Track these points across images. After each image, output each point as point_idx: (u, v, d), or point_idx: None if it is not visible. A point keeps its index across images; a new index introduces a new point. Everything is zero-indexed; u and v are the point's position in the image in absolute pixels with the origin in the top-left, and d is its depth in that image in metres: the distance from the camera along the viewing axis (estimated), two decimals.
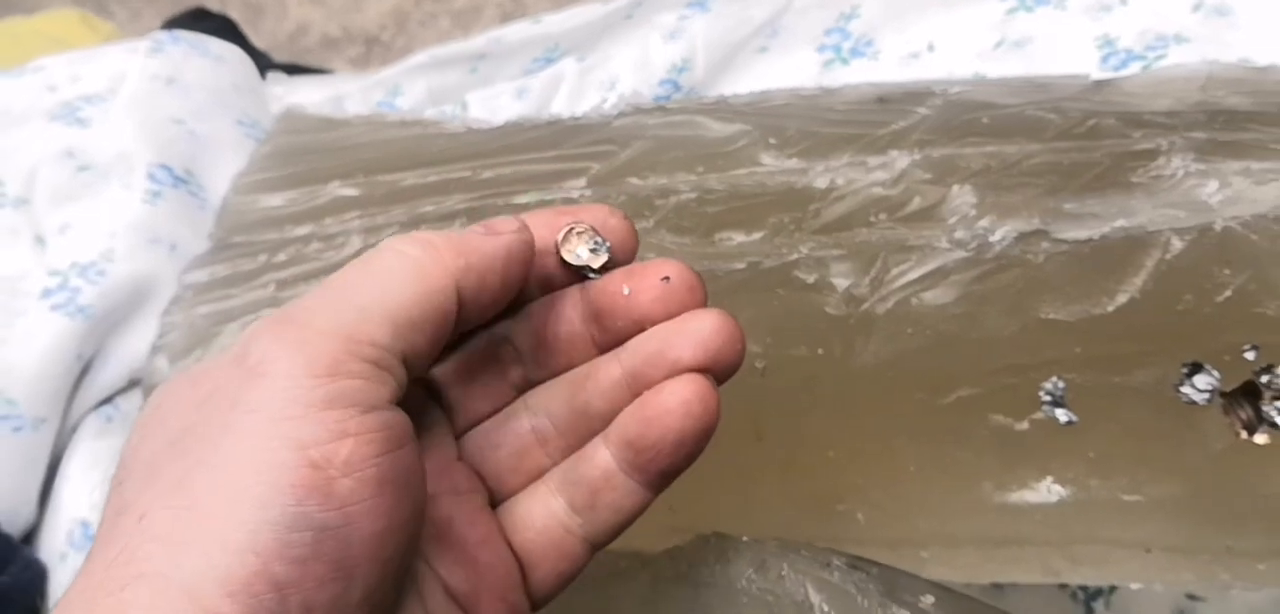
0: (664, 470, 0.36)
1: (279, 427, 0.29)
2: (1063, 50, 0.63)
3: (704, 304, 0.37)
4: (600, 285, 0.37)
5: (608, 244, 0.37)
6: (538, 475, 0.38)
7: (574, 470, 0.37)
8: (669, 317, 0.36)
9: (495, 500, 0.38)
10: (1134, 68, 0.60)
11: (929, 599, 0.44)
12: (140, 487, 0.30)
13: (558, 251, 0.37)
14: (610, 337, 0.37)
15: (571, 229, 0.37)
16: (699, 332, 0.35)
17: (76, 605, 0.28)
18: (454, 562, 0.35)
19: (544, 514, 0.37)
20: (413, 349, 0.32)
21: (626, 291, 0.36)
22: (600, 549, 0.38)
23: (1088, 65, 0.61)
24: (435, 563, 0.35)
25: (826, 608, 0.45)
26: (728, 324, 0.36)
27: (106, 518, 0.30)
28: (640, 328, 0.36)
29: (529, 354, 0.38)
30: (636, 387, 0.36)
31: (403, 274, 0.32)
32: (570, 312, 0.37)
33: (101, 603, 0.28)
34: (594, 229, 0.37)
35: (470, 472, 0.38)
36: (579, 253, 0.37)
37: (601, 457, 0.36)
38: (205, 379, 0.31)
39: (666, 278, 0.36)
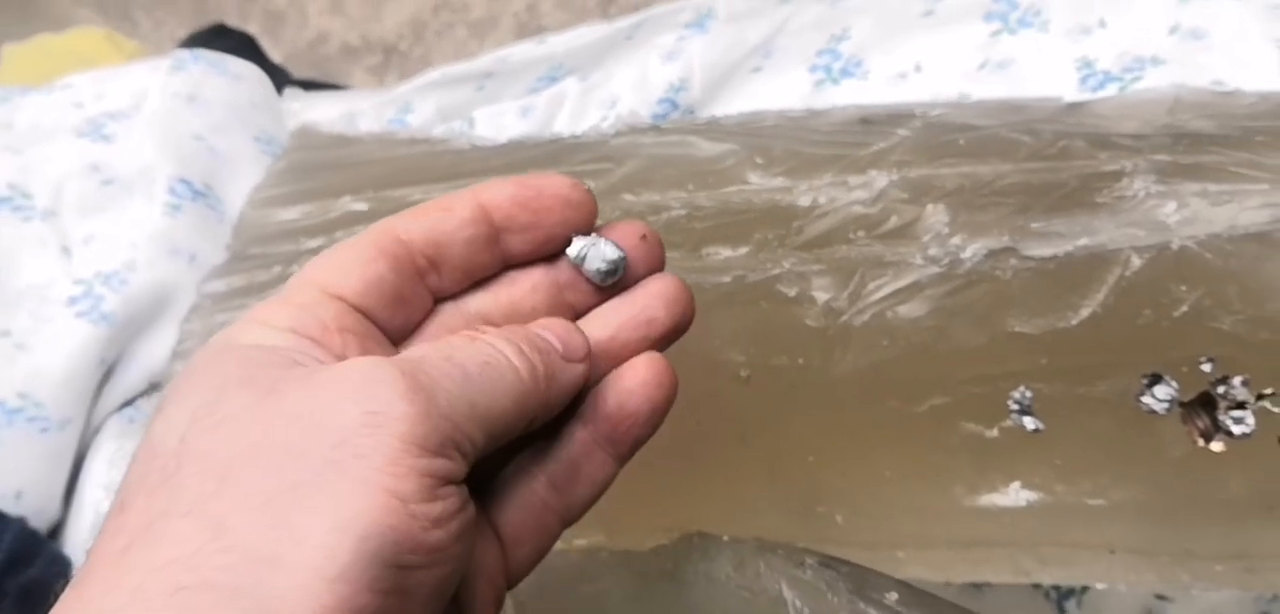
0: (635, 443, 0.39)
1: (385, 478, 0.29)
2: (1044, 71, 0.65)
3: (663, 259, 0.41)
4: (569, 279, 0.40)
5: (618, 270, 0.40)
6: (505, 458, 0.39)
7: (548, 450, 0.39)
8: (651, 271, 0.41)
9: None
10: (1111, 88, 0.62)
11: (893, 596, 0.47)
12: (211, 490, 0.29)
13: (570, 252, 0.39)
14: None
15: (590, 237, 0.39)
16: (663, 292, 0.40)
17: (103, 600, 0.28)
18: None
19: (525, 494, 0.39)
20: (487, 450, 0.34)
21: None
22: (569, 525, 0.40)
23: (1067, 86, 0.63)
24: None
25: (800, 604, 0.48)
26: (676, 285, 0.40)
27: (145, 508, 0.30)
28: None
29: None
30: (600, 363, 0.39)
31: (509, 390, 0.34)
32: (534, 293, 0.40)
33: (140, 604, 0.28)
34: (615, 244, 0.39)
35: None
36: (595, 254, 0.39)
37: (580, 434, 0.39)
38: (290, 393, 0.31)
39: (644, 237, 0.40)
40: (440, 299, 0.39)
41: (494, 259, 0.39)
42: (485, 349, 0.34)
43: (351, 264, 0.36)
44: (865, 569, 0.48)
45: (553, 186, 0.39)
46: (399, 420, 0.30)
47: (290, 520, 0.29)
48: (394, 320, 0.37)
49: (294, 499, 0.29)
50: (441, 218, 0.38)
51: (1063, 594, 0.58)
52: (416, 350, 0.34)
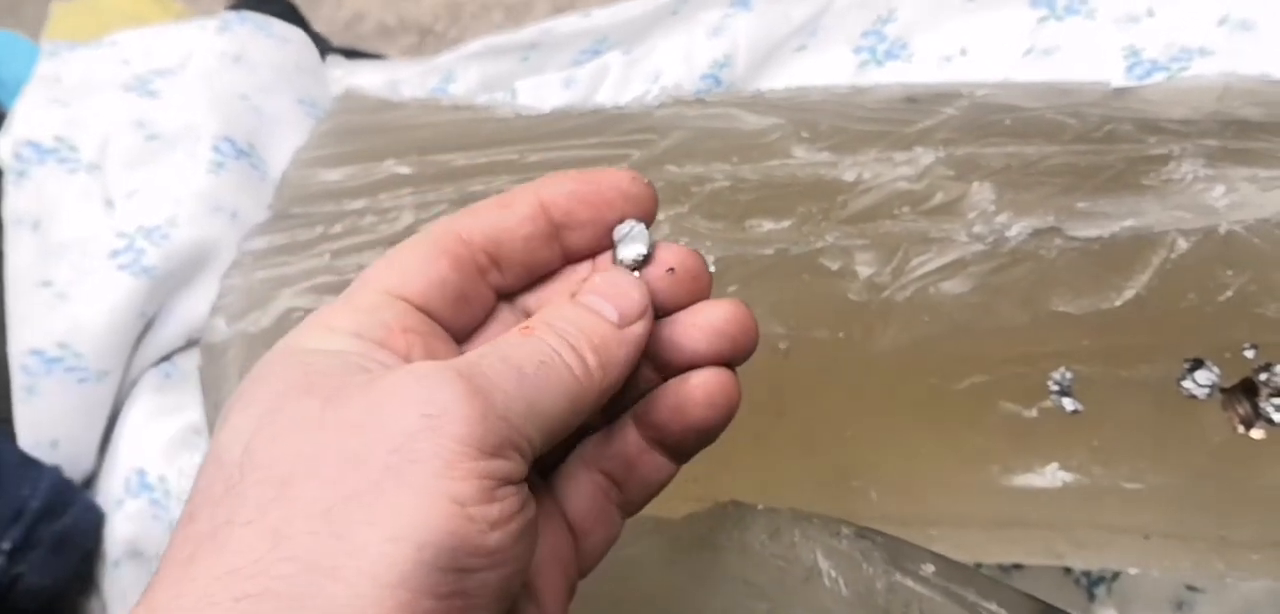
0: (691, 449, 0.39)
1: (443, 483, 0.30)
2: (1090, 59, 0.65)
3: (709, 288, 0.39)
4: None
5: (646, 252, 0.38)
6: (568, 448, 0.40)
7: (607, 444, 0.39)
8: (677, 306, 0.38)
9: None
10: (1158, 78, 0.62)
11: (929, 567, 0.47)
12: (271, 499, 0.30)
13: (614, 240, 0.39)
14: None
15: (630, 226, 0.39)
16: (711, 322, 0.38)
17: (169, 608, 0.29)
18: None
19: (589, 485, 0.39)
20: (545, 449, 0.34)
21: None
22: (632, 516, 0.40)
23: (1114, 74, 0.63)
24: None
25: (834, 573, 0.48)
26: (740, 312, 0.38)
27: (211, 518, 0.30)
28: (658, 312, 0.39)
29: None
30: (658, 368, 0.39)
31: (565, 389, 0.34)
32: None
33: (204, 610, 0.28)
34: (645, 231, 0.39)
35: None
36: (628, 248, 0.39)
37: (632, 435, 0.39)
38: (350, 401, 0.32)
39: (671, 270, 0.38)
40: (502, 295, 0.39)
41: (554, 255, 0.39)
42: (540, 348, 0.34)
43: (414, 265, 0.36)
44: (901, 541, 0.48)
45: (611, 181, 0.38)
46: (457, 423, 0.30)
47: (349, 530, 0.29)
48: (458, 319, 0.37)
49: (352, 508, 0.29)
50: (501, 216, 0.38)
51: (1093, 580, 0.58)
52: (473, 353, 0.34)
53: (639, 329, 0.37)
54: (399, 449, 0.30)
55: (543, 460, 0.38)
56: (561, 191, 0.38)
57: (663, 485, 0.40)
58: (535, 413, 0.33)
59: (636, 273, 0.38)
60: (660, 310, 0.38)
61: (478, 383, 0.31)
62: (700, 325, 0.38)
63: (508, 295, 0.39)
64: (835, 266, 0.54)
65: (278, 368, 0.33)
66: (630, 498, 0.39)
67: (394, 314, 0.35)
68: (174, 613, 0.29)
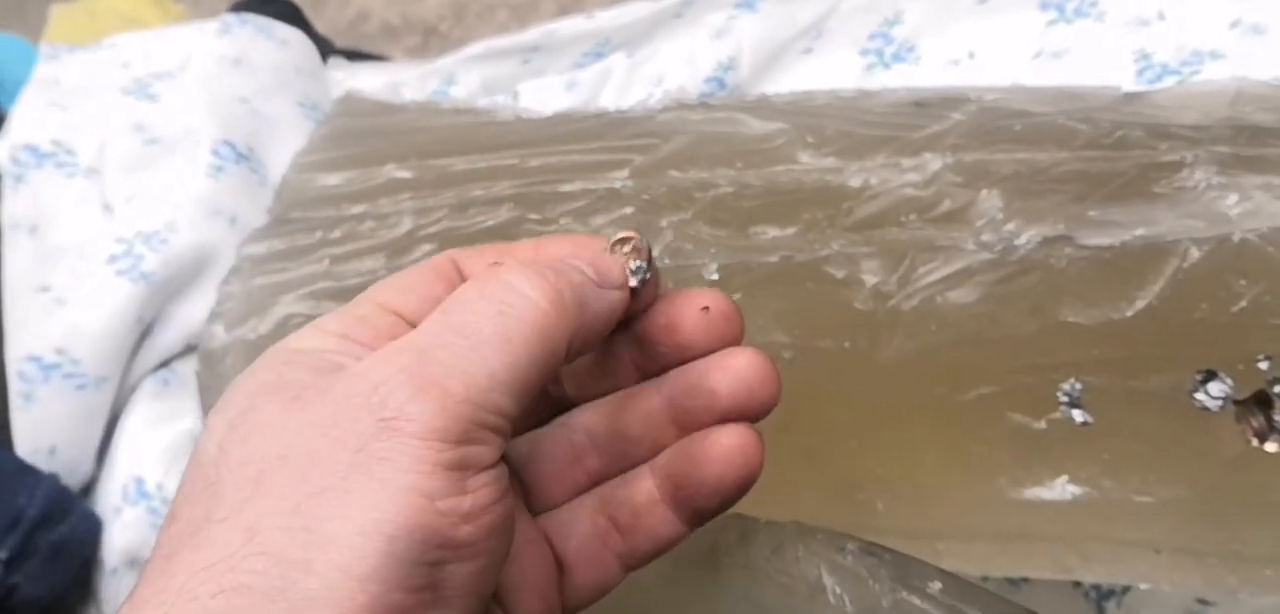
0: (703, 511, 0.38)
1: (409, 478, 0.30)
2: (1100, 63, 0.64)
3: (741, 334, 0.39)
4: (646, 316, 0.39)
5: (646, 269, 0.38)
6: (577, 491, 0.40)
7: (618, 491, 0.39)
8: (709, 347, 0.38)
9: (534, 509, 0.40)
10: (1169, 82, 0.61)
11: (936, 585, 0.46)
12: (245, 497, 0.30)
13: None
14: (651, 362, 0.39)
15: (620, 241, 0.38)
16: (736, 369, 0.37)
17: (151, 603, 0.29)
18: None
19: (587, 527, 0.39)
20: (525, 410, 0.33)
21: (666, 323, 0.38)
22: (632, 570, 0.40)
23: (1124, 78, 0.62)
24: None
25: (839, 590, 0.47)
26: (763, 363, 0.38)
27: (190, 517, 0.31)
28: (682, 356, 0.38)
29: (570, 374, 0.40)
30: (676, 417, 0.38)
31: (529, 330, 0.33)
32: (616, 337, 0.39)
33: (183, 607, 0.28)
34: (640, 249, 0.38)
35: (514, 476, 0.39)
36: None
37: (646, 484, 0.38)
38: (315, 399, 0.32)
39: (706, 308, 0.38)
40: None
41: None
42: (497, 298, 0.33)
43: (410, 284, 0.37)
44: (908, 557, 0.47)
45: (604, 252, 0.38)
46: (412, 422, 0.30)
47: (319, 524, 0.29)
48: None
49: (322, 503, 0.30)
50: (500, 254, 0.38)
51: (1103, 595, 0.57)
52: (430, 327, 0.33)
53: (616, 294, 0.36)
54: (362, 449, 0.30)
55: (537, 497, 0.39)
56: (562, 250, 0.38)
57: (669, 545, 0.39)
58: (500, 380, 0.32)
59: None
60: (690, 351, 0.38)
61: (432, 373, 0.31)
62: (724, 370, 0.38)
63: None
64: (841, 275, 0.53)
65: (256, 369, 0.34)
66: (633, 549, 0.39)
67: (385, 323, 0.35)
68: (155, 608, 0.29)
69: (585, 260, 0.36)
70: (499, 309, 0.33)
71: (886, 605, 0.46)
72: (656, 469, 0.38)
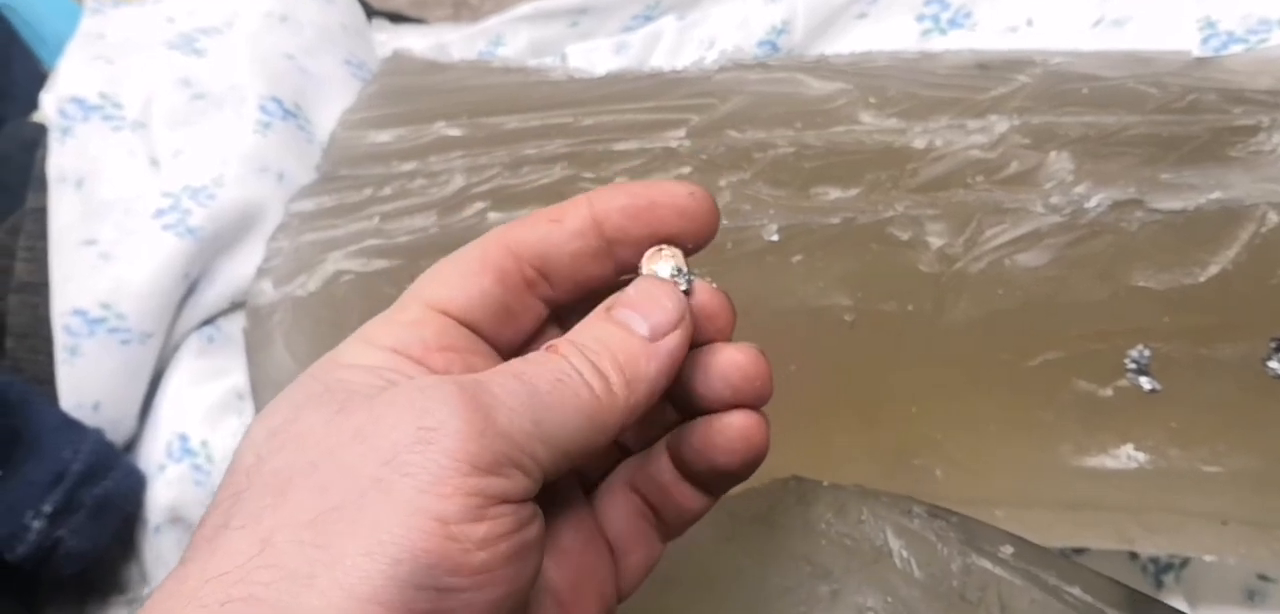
0: (717, 489, 0.38)
1: (425, 498, 0.29)
2: (1162, 30, 0.63)
3: (731, 328, 0.38)
4: None
5: (691, 277, 0.37)
6: (608, 468, 0.39)
7: (643, 469, 0.38)
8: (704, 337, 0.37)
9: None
10: (1235, 49, 0.60)
11: (1008, 549, 0.45)
12: (267, 505, 0.30)
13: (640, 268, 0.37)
14: None
15: (660, 249, 0.37)
16: (733, 361, 0.36)
17: (166, 604, 0.29)
18: (560, 562, 0.36)
19: (625, 506, 0.38)
20: (561, 469, 0.33)
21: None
22: (672, 539, 0.39)
23: (1188, 45, 0.61)
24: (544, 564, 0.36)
25: (905, 554, 0.46)
26: (759, 360, 0.37)
27: (213, 523, 0.31)
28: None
29: None
30: (675, 403, 0.38)
31: (582, 409, 0.33)
32: None
33: (194, 609, 0.28)
34: (680, 254, 0.37)
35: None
36: (659, 270, 0.37)
37: (666, 461, 0.38)
38: (358, 409, 0.32)
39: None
40: (554, 308, 0.38)
41: (605, 270, 0.37)
42: (559, 366, 0.33)
43: (457, 278, 0.36)
44: (977, 521, 0.46)
45: (668, 197, 0.37)
46: (450, 437, 0.30)
47: (330, 540, 0.29)
48: (503, 333, 0.37)
49: (336, 519, 0.29)
50: (550, 230, 0.37)
51: (1161, 567, 0.56)
52: (488, 371, 0.33)
53: (673, 341, 0.35)
54: (390, 461, 0.30)
55: (587, 478, 0.38)
56: (614, 206, 0.37)
57: (698, 516, 0.39)
58: (544, 431, 0.32)
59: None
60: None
61: (481, 399, 0.31)
62: (723, 364, 0.37)
63: (561, 308, 0.38)
64: (905, 237, 0.52)
65: (305, 380, 0.34)
66: (667, 524, 0.38)
67: (434, 330, 0.35)
68: (166, 609, 0.29)
69: (643, 312, 0.35)
70: (559, 377, 0.33)
71: (955, 569, 0.46)
72: (671, 448, 0.38)
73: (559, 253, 0.36)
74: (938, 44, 0.67)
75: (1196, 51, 0.61)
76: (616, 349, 0.34)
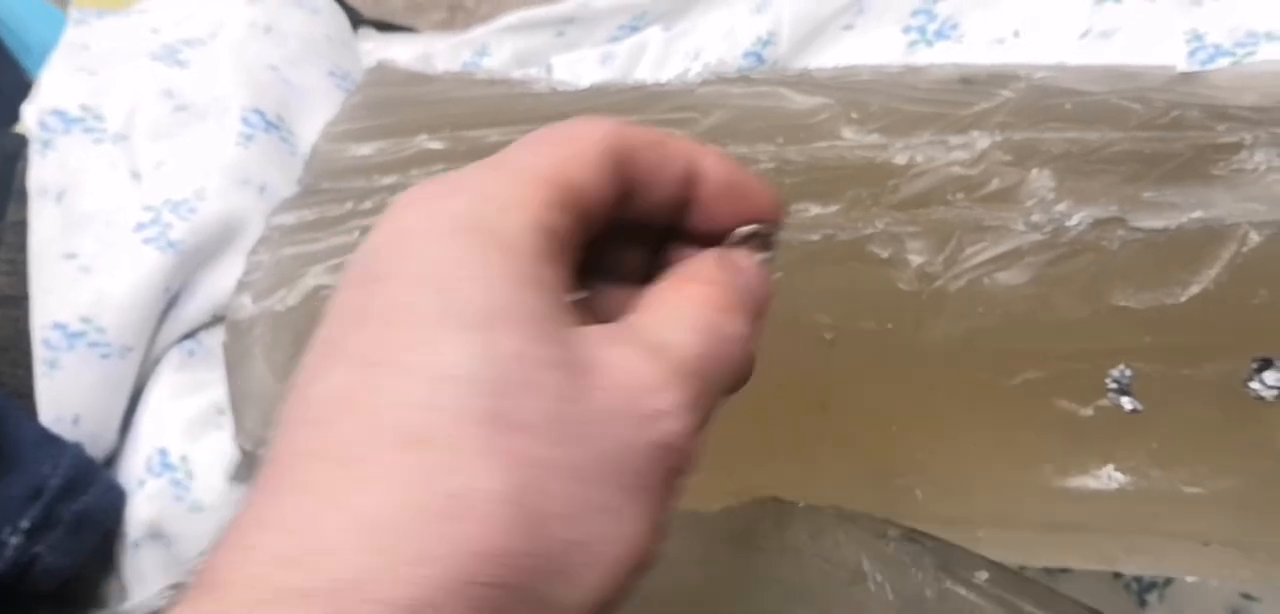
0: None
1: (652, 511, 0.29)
2: (1150, 43, 0.62)
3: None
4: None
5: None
6: None
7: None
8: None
9: None
10: (1222, 63, 0.60)
11: (983, 575, 0.45)
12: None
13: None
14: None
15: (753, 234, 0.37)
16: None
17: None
18: None
19: None
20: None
21: None
22: None
23: (1175, 59, 0.61)
24: None
25: (880, 578, 0.46)
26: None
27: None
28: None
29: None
30: None
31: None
32: None
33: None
34: (767, 237, 0.37)
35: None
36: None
37: None
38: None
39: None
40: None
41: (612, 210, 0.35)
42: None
43: (582, 160, 0.32)
44: (952, 545, 0.46)
45: (758, 192, 0.36)
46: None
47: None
48: (579, 233, 0.33)
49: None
50: (661, 157, 0.34)
51: (1144, 586, 0.56)
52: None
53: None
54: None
55: None
56: (717, 175, 0.35)
57: None
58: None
59: None
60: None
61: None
62: None
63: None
64: (885, 254, 0.52)
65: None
66: None
67: (563, 223, 0.31)
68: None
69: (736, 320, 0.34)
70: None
71: (930, 595, 0.45)
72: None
73: (652, 183, 0.34)
74: (924, 56, 0.66)
75: (1183, 65, 0.60)
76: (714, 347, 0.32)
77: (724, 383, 0.32)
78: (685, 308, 0.32)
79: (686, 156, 0.35)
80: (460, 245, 0.29)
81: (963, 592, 0.45)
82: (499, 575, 0.26)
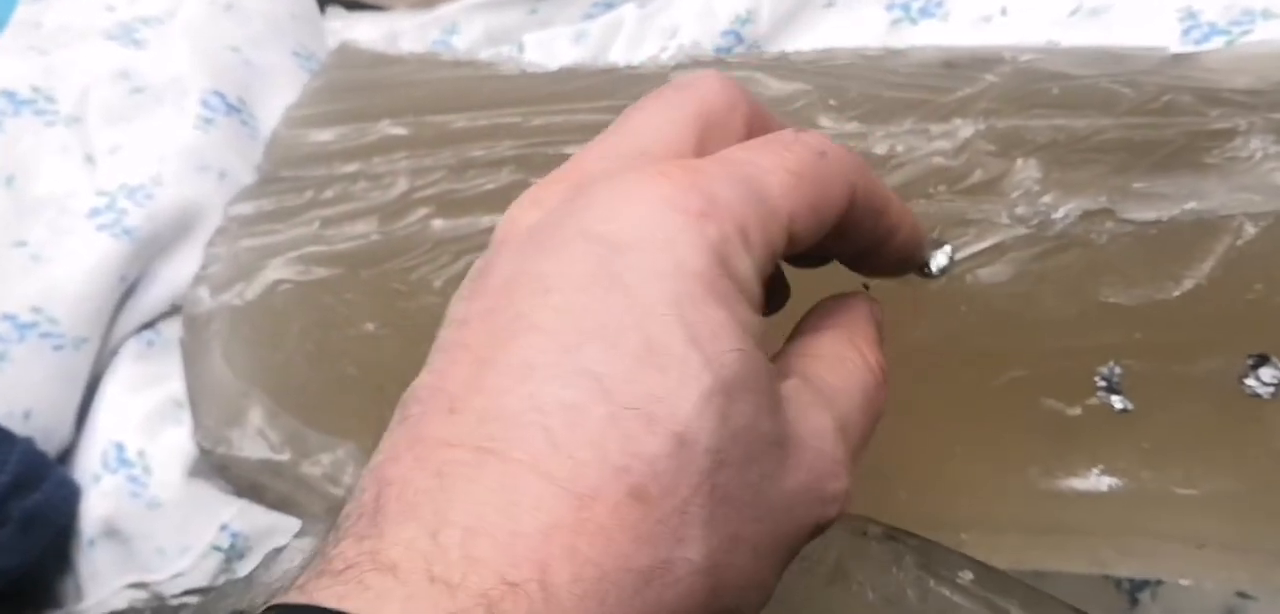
0: None
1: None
2: (1142, 21, 0.60)
3: None
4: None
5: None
6: None
7: None
8: None
9: None
10: (1216, 42, 0.58)
11: (967, 575, 0.44)
12: None
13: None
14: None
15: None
16: None
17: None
18: None
19: None
20: None
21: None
22: None
23: (1168, 38, 0.59)
24: None
25: (861, 578, 0.44)
26: None
27: None
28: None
29: None
30: None
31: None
32: None
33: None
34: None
35: None
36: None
37: None
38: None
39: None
40: None
41: None
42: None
43: (827, 200, 0.32)
44: (934, 544, 0.45)
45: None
46: None
47: None
48: None
49: None
50: (879, 212, 0.36)
51: (1136, 584, 0.54)
52: None
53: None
54: None
55: None
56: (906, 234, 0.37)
57: None
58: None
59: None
60: None
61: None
62: None
63: None
64: None
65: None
66: None
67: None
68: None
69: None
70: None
71: (912, 595, 0.44)
72: None
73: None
74: (908, 34, 0.64)
75: (1176, 44, 0.58)
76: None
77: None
78: (859, 379, 0.34)
79: (896, 219, 0.36)
80: (715, 294, 0.28)
81: (946, 592, 0.43)
82: None
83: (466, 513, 0.25)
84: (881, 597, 0.44)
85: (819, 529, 0.31)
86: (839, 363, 0.33)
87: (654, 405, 0.26)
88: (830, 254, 0.36)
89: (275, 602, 0.25)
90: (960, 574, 0.44)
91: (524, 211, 0.32)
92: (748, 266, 0.29)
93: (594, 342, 0.27)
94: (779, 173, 0.31)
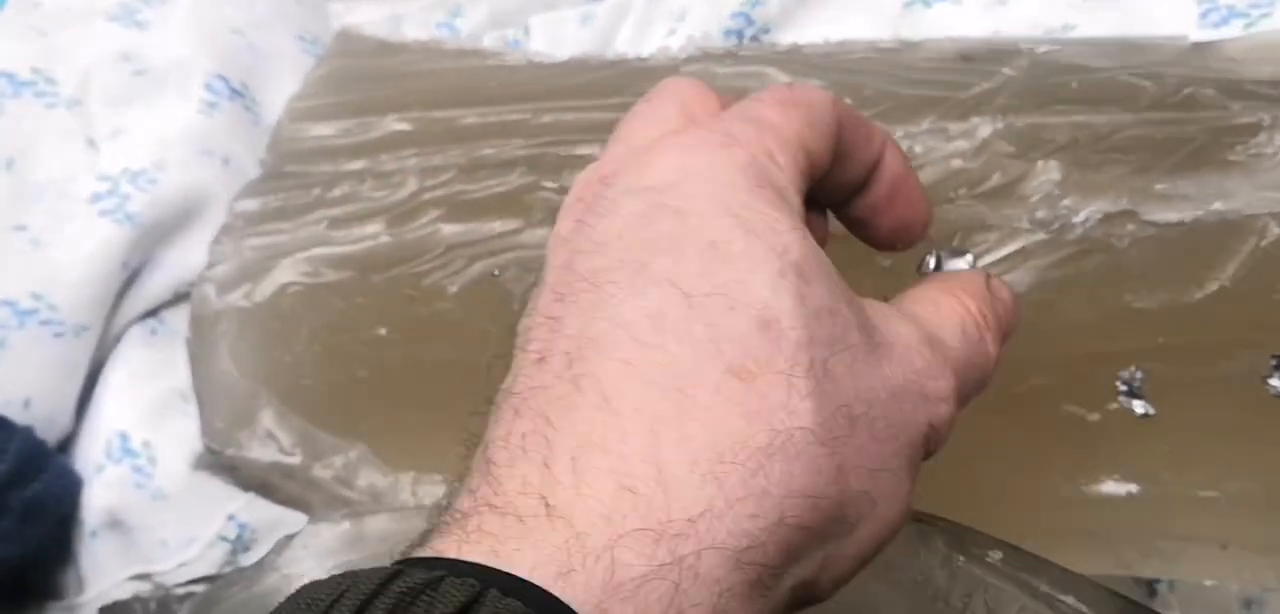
0: None
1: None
2: (1158, 2, 0.59)
3: None
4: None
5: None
6: None
7: None
8: None
9: None
10: (1235, 25, 0.56)
11: (996, 554, 0.44)
12: None
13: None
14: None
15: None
16: None
17: None
18: None
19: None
20: None
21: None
22: None
23: (1186, 21, 0.57)
24: None
25: (888, 555, 0.44)
26: None
27: None
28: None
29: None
30: None
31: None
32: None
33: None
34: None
35: None
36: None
37: None
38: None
39: None
40: None
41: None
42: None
43: (819, 128, 0.34)
44: (963, 526, 0.45)
45: (921, 204, 0.39)
46: None
47: None
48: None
49: None
50: (864, 137, 0.36)
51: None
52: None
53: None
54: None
55: None
56: (896, 166, 0.38)
57: None
58: None
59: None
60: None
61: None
62: None
63: None
64: (887, 263, 0.49)
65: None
66: None
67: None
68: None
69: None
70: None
71: (940, 574, 0.44)
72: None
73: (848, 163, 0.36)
74: (921, 19, 0.63)
75: (1195, 29, 0.57)
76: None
77: (972, 391, 0.35)
78: (956, 314, 0.35)
79: (881, 142, 0.37)
80: (760, 197, 0.30)
81: (976, 571, 0.43)
82: (806, 518, 0.27)
83: (573, 438, 0.27)
84: (908, 577, 0.44)
85: (934, 432, 0.32)
86: (931, 302, 0.35)
87: (732, 289, 0.28)
88: (840, 195, 0.37)
89: (400, 558, 0.26)
90: (990, 554, 0.44)
91: (564, 218, 0.33)
92: (783, 180, 0.31)
93: (660, 257, 0.29)
94: (772, 106, 0.33)
